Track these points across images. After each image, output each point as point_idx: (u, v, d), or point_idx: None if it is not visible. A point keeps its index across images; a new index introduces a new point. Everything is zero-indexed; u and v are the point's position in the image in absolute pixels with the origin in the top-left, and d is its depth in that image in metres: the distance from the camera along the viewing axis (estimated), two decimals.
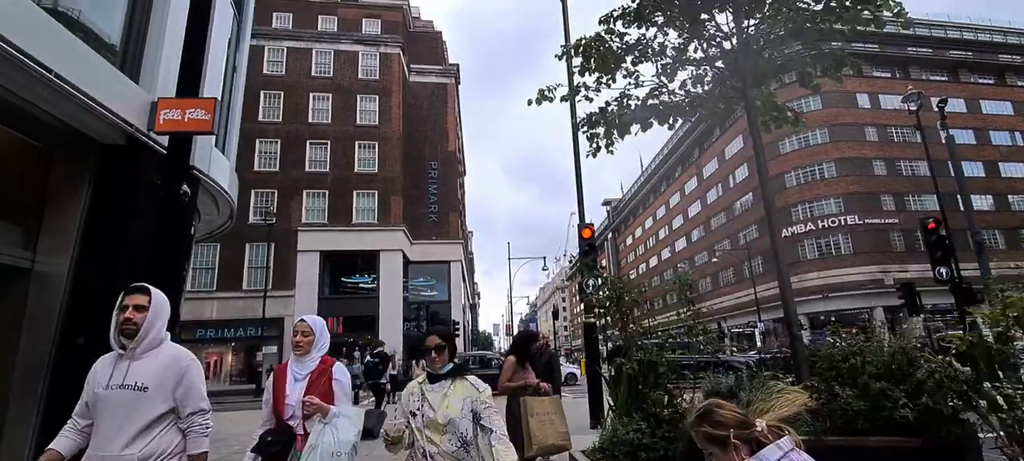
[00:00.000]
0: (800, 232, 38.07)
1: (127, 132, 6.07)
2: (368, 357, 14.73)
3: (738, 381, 5.30)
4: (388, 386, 15.05)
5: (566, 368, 24.87)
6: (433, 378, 2.65)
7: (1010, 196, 40.16)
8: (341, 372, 3.07)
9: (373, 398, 14.20)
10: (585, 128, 6.59)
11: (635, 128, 6.41)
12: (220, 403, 20.96)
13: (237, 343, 27.82)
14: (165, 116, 6.03)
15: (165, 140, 6.27)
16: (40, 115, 5.12)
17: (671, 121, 6.38)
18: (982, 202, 38.78)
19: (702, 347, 5.40)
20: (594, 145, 6.60)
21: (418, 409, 2.59)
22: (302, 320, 3.15)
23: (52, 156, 6.08)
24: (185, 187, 6.49)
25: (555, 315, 17.15)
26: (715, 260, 43.45)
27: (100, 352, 2.76)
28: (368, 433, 6.88)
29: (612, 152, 6.61)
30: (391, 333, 27.05)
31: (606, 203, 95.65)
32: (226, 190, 9.20)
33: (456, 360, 2.72)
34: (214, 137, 8.50)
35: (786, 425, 1.58)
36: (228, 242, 27.67)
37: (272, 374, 3.14)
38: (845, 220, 36.48)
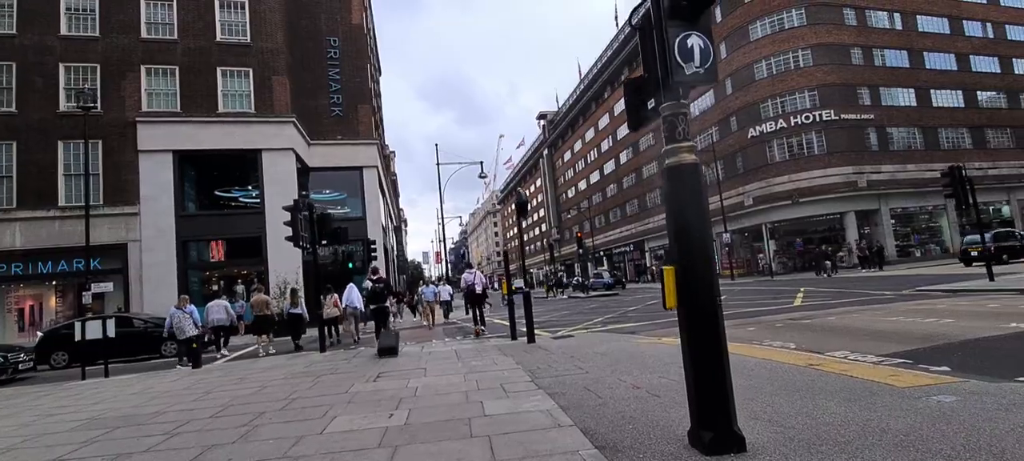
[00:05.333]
0: (769, 131, 33.80)
1: None
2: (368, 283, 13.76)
3: None
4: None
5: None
6: None
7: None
8: None
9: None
10: None
11: None
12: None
13: (61, 281, 20.00)
14: None
15: None
16: None
17: None
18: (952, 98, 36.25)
19: None
20: None
21: None
22: None
23: None
24: None
25: (522, 212, 11.26)
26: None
27: None
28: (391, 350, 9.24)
29: None
30: (284, 259, 19.82)
31: (541, 116, 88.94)
32: None
33: None
34: None
35: None
36: (30, 139, 19.13)
37: None
38: (820, 115, 32.45)
